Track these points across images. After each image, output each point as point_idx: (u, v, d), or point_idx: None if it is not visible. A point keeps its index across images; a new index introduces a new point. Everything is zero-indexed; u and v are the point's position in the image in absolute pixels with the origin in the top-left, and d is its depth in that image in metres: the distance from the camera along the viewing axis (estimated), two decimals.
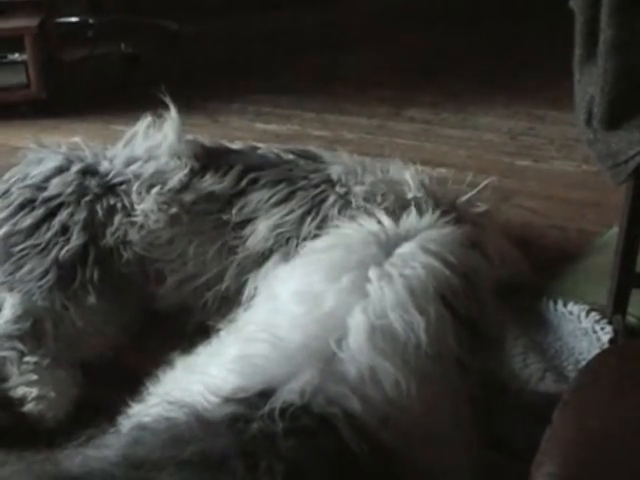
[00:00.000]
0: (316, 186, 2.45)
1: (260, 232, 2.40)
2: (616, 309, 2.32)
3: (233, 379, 1.53)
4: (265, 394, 1.48)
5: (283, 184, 2.46)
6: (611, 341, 2.30)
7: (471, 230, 2.31)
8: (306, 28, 5.36)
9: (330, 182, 2.46)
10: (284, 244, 2.36)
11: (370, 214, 2.03)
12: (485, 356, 1.87)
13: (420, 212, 1.98)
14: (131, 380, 1.88)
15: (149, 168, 2.50)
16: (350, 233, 1.86)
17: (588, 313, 2.41)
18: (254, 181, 2.48)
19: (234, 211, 2.44)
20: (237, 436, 1.42)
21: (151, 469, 1.36)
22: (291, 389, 1.48)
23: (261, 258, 2.37)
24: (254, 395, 1.49)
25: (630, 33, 1.90)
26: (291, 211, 2.41)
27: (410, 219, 1.90)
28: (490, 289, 1.93)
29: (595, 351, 2.27)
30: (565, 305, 2.46)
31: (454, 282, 1.73)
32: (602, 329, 2.34)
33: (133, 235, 2.42)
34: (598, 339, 2.32)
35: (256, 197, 2.45)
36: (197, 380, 1.59)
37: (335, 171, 2.49)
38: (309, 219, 2.38)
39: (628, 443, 1.09)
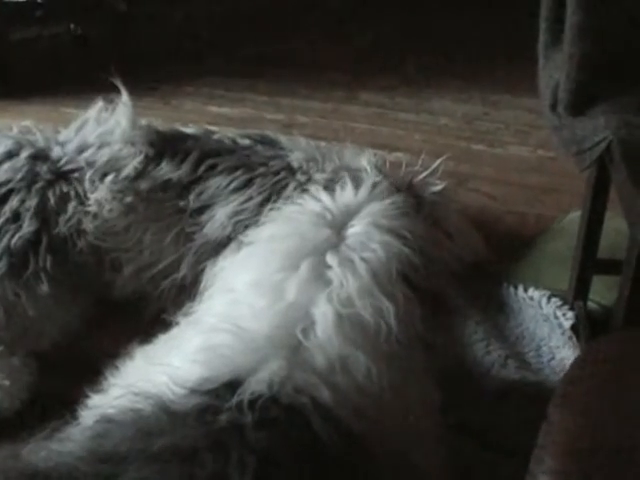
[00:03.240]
0: (276, 173, 2.42)
1: (218, 219, 2.37)
2: (577, 295, 2.33)
3: (198, 370, 1.51)
4: (232, 385, 1.46)
5: (241, 170, 2.42)
6: (573, 327, 2.31)
7: (431, 208, 2.31)
8: (258, 10, 5.30)
9: (290, 169, 2.43)
10: (242, 232, 2.32)
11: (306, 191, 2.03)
12: (449, 330, 1.88)
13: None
14: (88, 369, 1.86)
15: (102, 155, 2.45)
16: (295, 217, 1.84)
17: (549, 299, 2.41)
18: (211, 167, 2.44)
19: (191, 197, 2.41)
20: (206, 428, 1.40)
21: (118, 463, 1.33)
22: (259, 380, 1.46)
23: (219, 246, 2.33)
24: (221, 386, 1.47)
25: (596, 19, 1.89)
26: (250, 198, 2.37)
27: (346, 193, 1.89)
28: (448, 261, 1.93)
29: (556, 337, 2.29)
30: (526, 291, 2.47)
31: (414, 259, 1.73)
32: (564, 315, 2.35)
33: (87, 224, 2.37)
34: (560, 325, 2.32)
35: (214, 183, 2.41)
36: (160, 371, 1.56)
37: (296, 158, 2.46)
38: (268, 206, 2.34)
39: (629, 433, 1.08)
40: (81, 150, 2.47)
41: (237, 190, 2.39)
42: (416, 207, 2.08)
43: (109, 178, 2.40)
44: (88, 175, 2.40)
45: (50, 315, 2.29)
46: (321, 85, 4.26)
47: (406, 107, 4.03)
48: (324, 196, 1.89)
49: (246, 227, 2.31)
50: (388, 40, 4.92)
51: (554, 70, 2.04)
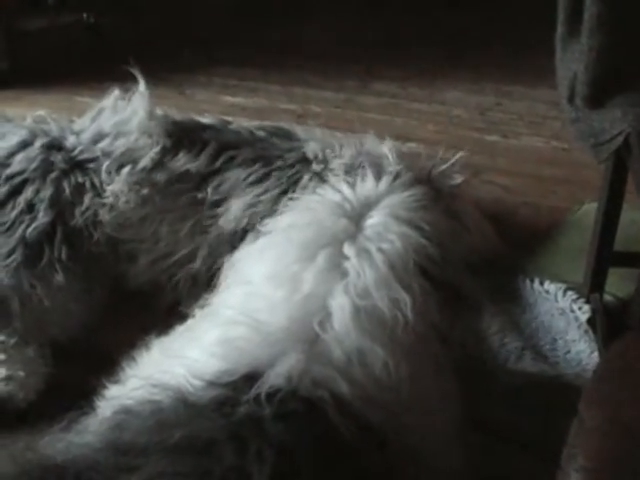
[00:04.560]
0: (291, 166, 2.41)
1: (233, 211, 2.36)
2: (593, 288, 2.32)
3: (216, 363, 1.51)
4: (251, 377, 1.47)
5: (259, 164, 2.41)
6: (589, 321, 2.30)
7: (449, 201, 2.30)
8: (272, 1, 5.29)
9: (306, 161, 2.42)
10: (258, 223, 2.32)
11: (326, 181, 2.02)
12: (465, 322, 1.87)
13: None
14: (103, 360, 1.86)
15: (119, 146, 2.43)
16: (314, 206, 1.84)
17: (565, 292, 2.41)
18: (229, 159, 2.43)
19: (209, 189, 2.40)
20: (224, 420, 1.40)
21: (138, 455, 1.34)
22: (278, 373, 1.46)
23: (234, 238, 2.32)
24: (239, 379, 1.47)
25: (615, 10, 1.88)
26: (266, 191, 2.36)
27: (367, 184, 1.89)
28: (465, 254, 1.93)
29: (572, 331, 2.28)
30: (542, 284, 2.46)
31: (431, 251, 1.73)
32: (580, 309, 2.34)
33: (103, 215, 2.37)
34: (576, 319, 2.32)
35: (232, 176, 2.40)
36: (178, 363, 1.56)
37: (311, 149, 2.44)
38: (284, 199, 2.34)
39: None
40: (97, 140, 2.46)
41: (254, 183, 2.38)
42: (434, 199, 2.07)
43: (126, 170, 2.39)
44: (105, 166, 2.39)
45: (65, 306, 2.29)
46: (334, 75, 4.24)
47: (419, 97, 4.01)
48: (344, 187, 1.88)
49: (262, 219, 2.30)
50: (401, 30, 4.89)
51: (572, 62, 2.03)
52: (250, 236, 2.26)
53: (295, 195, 2.19)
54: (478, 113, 3.84)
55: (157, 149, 2.43)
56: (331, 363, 1.50)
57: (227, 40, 4.71)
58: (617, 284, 2.36)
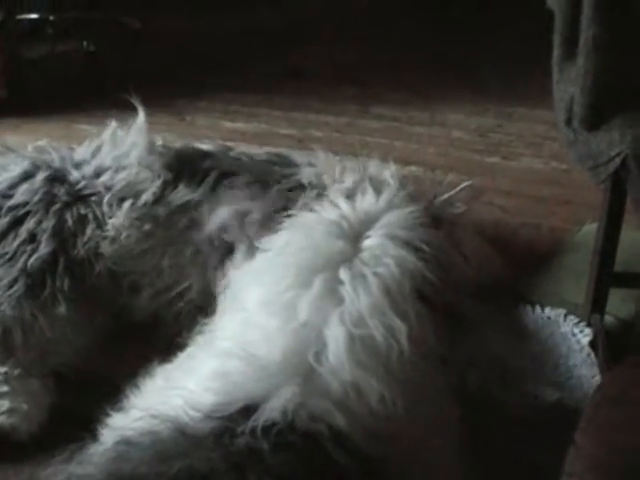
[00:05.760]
0: (288, 190, 2.41)
1: (222, 220, 2.35)
2: (594, 308, 2.32)
3: (212, 396, 1.51)
4: (246, 410, 1.46)
5: (256, 186, 2.42)
6: (591, 344, 2.29)
7: (450, 229, 2.29)
8: (272, 25, 5.32)
9: (301, 187, 2.42)
10: (252, 236, 2.30)
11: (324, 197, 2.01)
12: (466, 343, 1.86)
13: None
14: (106, 389, 1.86)
15: (120, 180, 2.43)
16: (311, 225, 1.83)
17: (566, 317, 2.40)
18: (228, 185, 2.43)
19: (205, 212, 2.39)
20: (223, 450, 1.40)
21: None
22: (273, 407, 1.46)
23: (227, 252, 2.30)
24: (236, 412, 1.47)
25: (611, 33, 1.89)
26: (260, 206, 2.36)
27: (367, 199, 1.88)
28: (464, 279, 1.92)
29: (574, 355, 2.27)
30: (543, 310, 2.45)
31: (429, 274, 1.72)
32: (581, 332, 2.33)
33: (105, 248, 2.36)
34: (578, 342, 2.31)
35: (228, 197, 2.40)
36: (177, 394, 1.55)
37: (305, 175, 2.44)
38: (279, 216, 2.33)
39: None
40: (98, 174, 2.45)
41: (249, 198, 2.38)
42: (435, 226, 2.06)
43: (127, 204, 2.39)
44: (106, 199, 2.39)
45: (67, 336, 2.27)
46: (335, 99, 4.26)
47: (420, 120, 4.03)
48: (343, 203, 1.87)
49: (255, 233, 2.29)
50: (401, 54, 4.91)
51: (569, 84, 2.04)
52: (244, 249, 2.25)
53: (293, 212, 2.18)
54: (478, 135, 3.86)
55: (158, 183, 2.43)
56: (327, 396, 1.49)
57: (227, 66, 4.73)
58: (618, 305, 2.36)
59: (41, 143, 2.61)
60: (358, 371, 1.52)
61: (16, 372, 2.14)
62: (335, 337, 1.55)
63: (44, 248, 2.29)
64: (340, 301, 1.61)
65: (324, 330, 1.56)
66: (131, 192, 2.42)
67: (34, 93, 4.37)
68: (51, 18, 4.99)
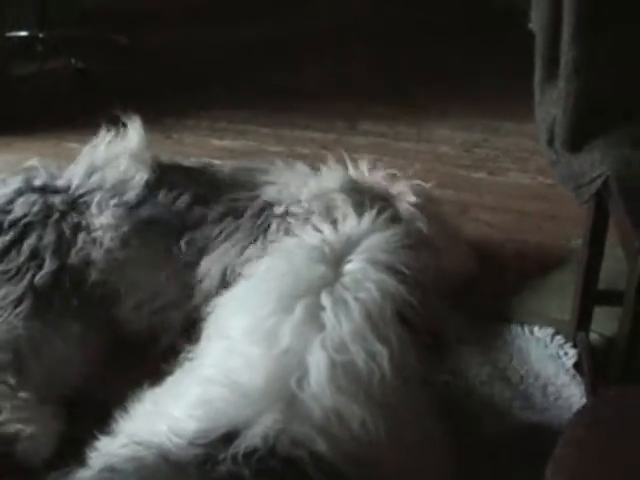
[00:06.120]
0: (259, 213, 2.46)
1: (205, 266, 2.39)
2: (580, 326, 2.34)
3: (194, 423, 1.51)
4: (228, 437, 1.47)
5: (229, 218, 2.45)
6: (575, 365, 2.30)
7: (410, 222, 2.34)
8: (258, 43, 5.32)
9: (270, 205, 2.48)
10: (234, 277, 2.32)
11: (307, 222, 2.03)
12: (446, 362, 1.87)
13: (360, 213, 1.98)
14: (99, 411, 1.85)
15: (110, 178, 2.48)
16: (292, 250, 1.83)
17: (553, 337, 2.42)
18: (201, 217, 2.47)
19: (183, 245, 2.43)
20: (206, 477, 1.41)
21: None
22: (254, 433, 1.46)
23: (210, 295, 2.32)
24: (217, 438, 1.47)
25: (591, 55, 1.91)
26: (237, 243, 2.40)
27: (349, 222, 1.89)
28: (440, 290, 1.92)
29: (562, 376, 2.27)
30: (532, 331, 2.47)
31: (409, 297, 1.71)
32: (566, 354, 2.35)
33: (95, 254, 2.38)
34: (563, 364, 2.32)
35: (204, 233, 2.44)
36: (161, 421, 1.56)
37: (268, 195, 2.51)
38: (254, 247, 2.37)
39: None
40: (90, 173, 2.51)
41: (226, 238, 2.41)
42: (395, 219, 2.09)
43: (113, 202, 2.43)
44: (96, 199, 2.42)
45: (76, 356, 2.27)
46: (322, 115, 4.26)
47: (407, 136, 4.03)
48: (326, 227, 1.88)
49: (234, 270, 2.32)
50: (387, 69, 4.92)
51: (550, 106, 2.06)
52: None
53: (271, 240, 2.22)
54: (464, 150, 3.87)
55: (142, 182, 2.48)
56: (309, 422, 1.49)
57: (214, 83, 4.74)
58: (603, 322, 2.37)
59: (32, 163, 2.62)
60: (339, 397, 1.52)
61: (34, 398, 2.11)
62: (317, 363, 1.55)
63: (49, 266, 2.29)
64: (322, 327, 1.61)
65: (306, 356, 1.57)
66: (118, 191, 2.46)
67: (24, 111, 4.36)
68: (41, 35, 5.00)
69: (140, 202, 2.47)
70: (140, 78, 4.86)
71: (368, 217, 1.91)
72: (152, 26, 5.59)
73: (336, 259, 1.75)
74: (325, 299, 1.65)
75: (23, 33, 5.03)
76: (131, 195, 2.46)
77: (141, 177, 2.49)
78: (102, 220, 2.41)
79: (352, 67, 4.97)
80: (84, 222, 2.41)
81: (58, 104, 4.52)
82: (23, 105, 4.43)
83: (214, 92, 4.61)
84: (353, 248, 1.78)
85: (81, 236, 2.39)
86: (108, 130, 2.62)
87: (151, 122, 4.01)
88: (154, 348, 2.38)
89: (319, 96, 4.52)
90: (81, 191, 2.46)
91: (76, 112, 4.25)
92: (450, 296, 1.99)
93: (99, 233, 2.40)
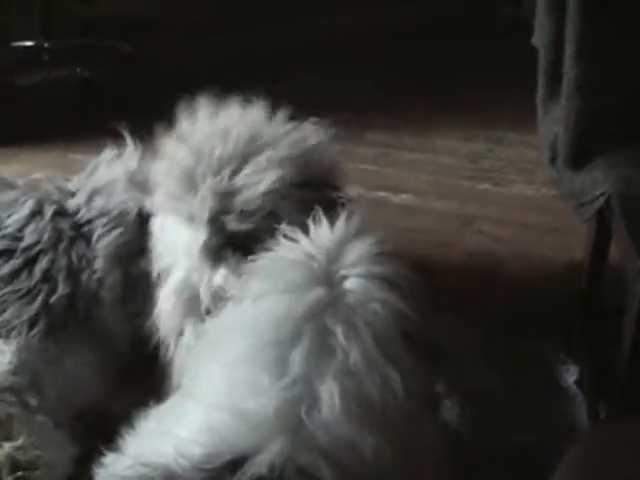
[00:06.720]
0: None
1: None
2: (582, 342, 2.34)
3: (199, 448, 1.50)
4: (234, 464, 1.46)
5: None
6: (577, 382, 2.31)
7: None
8: (261, 52, 5.31)
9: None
10: None
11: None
12: (444, 375, 1.86)
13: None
14: (107, 427, 1.86)
15: (111, 207, 2.44)
16: (278, 268, 1.78)
17: (554, 352, 2.41)
18: None
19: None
20: None
21: None
22: (260, 462, 1.45)
23: None
24: (223, 465, 1.47)
25: (593, 74, 1.92)
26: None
27: (322, 231, 1.81)
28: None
29: (563, 393, 2.27)
30: (532, 345, 2.45)
31: (410, 313, 1.70)
32: (567, 370, 2.34)
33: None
34: (565, 381, 2.31)
35: None
36: (167, 441, 1.55)
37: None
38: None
39: None
40: (91, 197, 2.46)
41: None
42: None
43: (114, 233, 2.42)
44: (97, 232, 2.41)
45: (91, 376, 2.27)
46: (325, 126, 4.24)
47: (411, 146, 4.02)
48: (303, 239, 1.81)
49: None
50: (391, 80, 4.92)
51: (553, 123, 2.07)
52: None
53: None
54: (469, 161, 3.86)
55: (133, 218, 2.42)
56: (317, 450, 1.48)
57: (220, 93, 4.72)
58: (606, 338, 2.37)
59: (37, 176, 2.61)
60: (353, 426, 1.51)
61: (49, 422, 2.10)
62: (330, 393, 1.54)
63: (63, 289, 2.27)
64: (332, 353, 1.59)
65: (317, 385, 1.55)
66: (118, 223, 2.41)
67: (29, 122, 4.36)
68: (46, 45, 5.00)
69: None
70: (146, 87, 4.85)
71: (339, 225, 1.83)
72: (154, 35, 5.59)
73: (327, 276, 1.71)
74: (331, 323, 1.63)
75: (29, 43, 5.04)
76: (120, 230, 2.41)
77: (133, 211, 2.45)
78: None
79: (355, 77, 4.96)
80: (90, 254, 2.38)
81: (63, 114, 4.51)
82: (29, 116, 4.43)
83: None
84: (337, 261, 1.74)
85: (88, 265, 2.38)
86: (111, 143, 2.60)
87: (154, 132, 4.05)
88: (162, 364, 2.38)
89: (322, 106, 4.50)
90: (87, 217, 2.42)
91: (82, 122, 4.23)
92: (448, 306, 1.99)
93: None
